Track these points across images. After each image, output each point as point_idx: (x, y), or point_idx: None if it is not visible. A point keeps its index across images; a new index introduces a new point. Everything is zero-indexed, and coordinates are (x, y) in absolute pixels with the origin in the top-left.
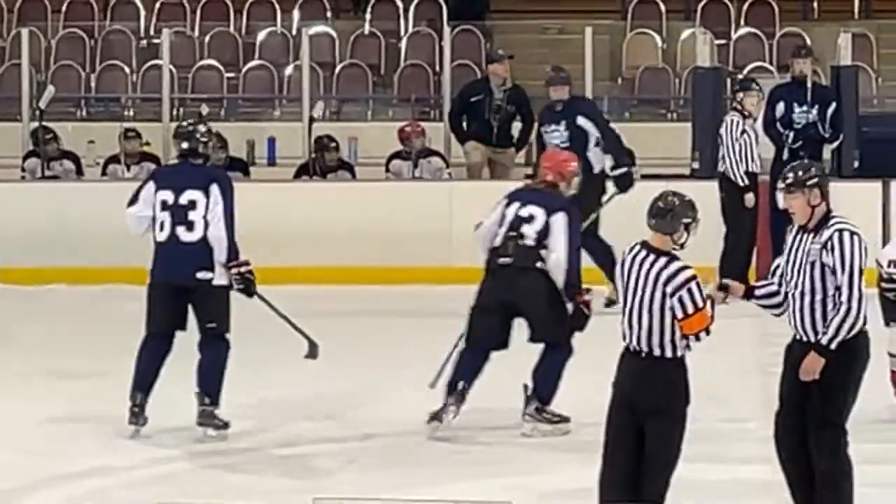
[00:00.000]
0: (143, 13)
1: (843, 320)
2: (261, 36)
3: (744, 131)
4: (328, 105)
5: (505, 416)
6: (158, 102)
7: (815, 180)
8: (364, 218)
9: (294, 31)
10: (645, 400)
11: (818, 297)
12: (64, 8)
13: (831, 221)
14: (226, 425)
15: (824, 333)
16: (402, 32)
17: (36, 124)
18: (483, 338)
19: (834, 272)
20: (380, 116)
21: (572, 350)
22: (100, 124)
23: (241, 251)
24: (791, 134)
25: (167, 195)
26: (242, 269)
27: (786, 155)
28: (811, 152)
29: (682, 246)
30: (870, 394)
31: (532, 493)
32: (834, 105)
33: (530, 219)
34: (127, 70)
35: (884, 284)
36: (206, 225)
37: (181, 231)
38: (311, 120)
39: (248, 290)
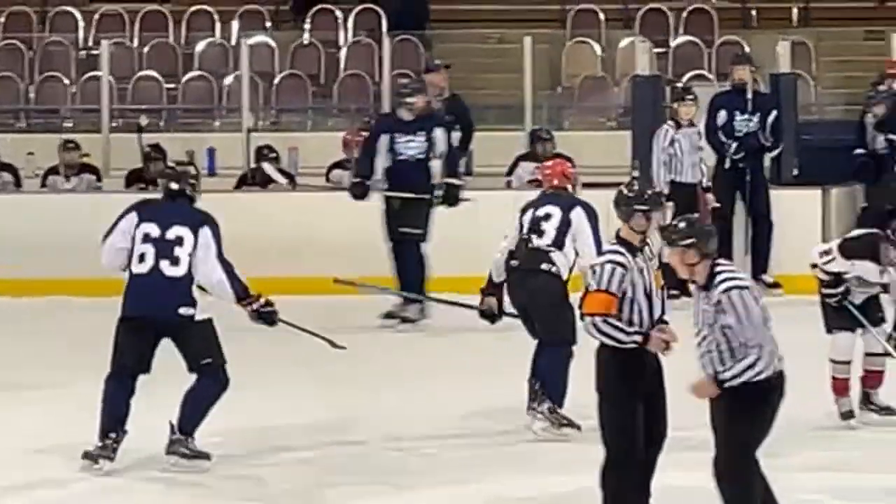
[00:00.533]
0: (81, 24)
1: (750, 366)
2: (200, 46)
3: (673, 141)
4: (268, 116)
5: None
6: (97, 113)
7: (690, 241)
8: (305, 227)
9: (233, 42)
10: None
11: (724, 349)
12: (2, 19)
13: (717, 279)
14: (205, 456)
15: (728, 370)
16: (342, 42)
17: None
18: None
19: (734, 328)
20: (320, 127)
21: (573, 352)
22: (39, 136)
23: None
24: (733, 143)
25: (151, 228)
26: (256, 306)
27: (727, 164)
28: (752, 161)
29: (643, 233)
30: (811, 401)
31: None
32: (774, 113)
33: (547, 217)
34: (66, 81)
35: (825, 291)
36: (191, 263)
37: (165, 265)
38: (139, 129)
39: (271, 321)
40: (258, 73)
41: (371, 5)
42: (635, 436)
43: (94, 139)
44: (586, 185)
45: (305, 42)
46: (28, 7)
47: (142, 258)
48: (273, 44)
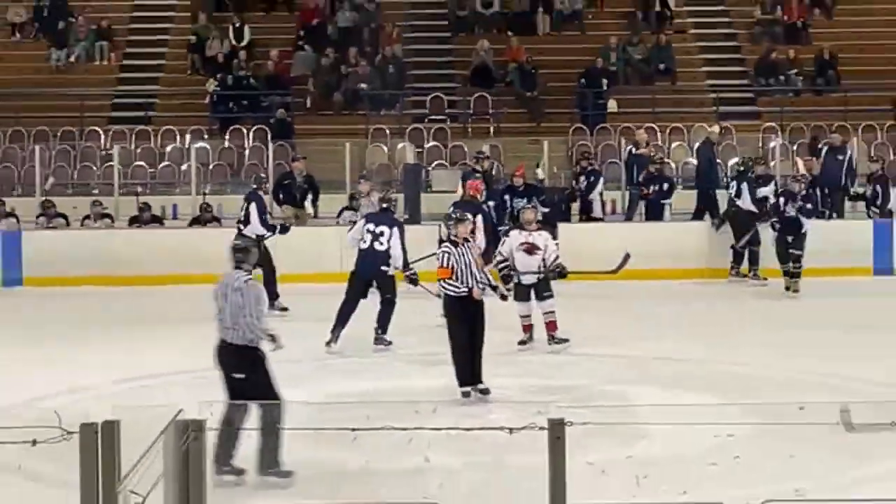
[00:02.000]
0: (102, 136)
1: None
2: (167, 148)
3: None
4: (206, 186)
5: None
6: (112, 185)
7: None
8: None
9: (186, 146)
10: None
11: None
12: (59, 133)
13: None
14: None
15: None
16: (246, 146)
17: None
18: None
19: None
20: (236, 192)
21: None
22: (80, 198)
23: None
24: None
25: (371, 226)
26: (409, 273)
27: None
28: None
29: (453, 237)
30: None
31: None
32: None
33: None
34: (94, 167)
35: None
36: (389, 245)
37: (376, 245)
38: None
39: (415, 283)
40: (201, 163)
41: (262, 125)
42: (462, 339)
43: (109, 199)
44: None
45: (226, 146)
46: (71, 127)
47: (364, 241)
48: (208, 147)
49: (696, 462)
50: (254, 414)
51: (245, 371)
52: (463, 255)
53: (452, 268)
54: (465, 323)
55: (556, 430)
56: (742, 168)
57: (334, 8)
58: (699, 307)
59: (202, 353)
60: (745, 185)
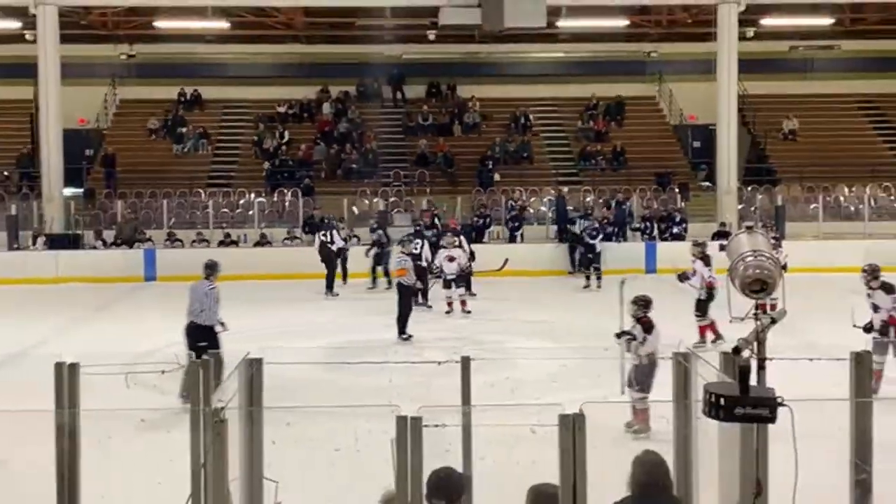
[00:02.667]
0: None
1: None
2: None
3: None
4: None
5: None
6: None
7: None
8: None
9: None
10: None
11: None
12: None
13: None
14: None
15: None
16: (287, 200)
17: None
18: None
19: None
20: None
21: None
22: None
23: None
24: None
25: (416, 246)
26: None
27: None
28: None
29: (411, 251)
30: None
31: None
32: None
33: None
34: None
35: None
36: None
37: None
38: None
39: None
40: (260, 210)
41: (296, 188)
42: (409, 312)
43: (206, 231)
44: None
45: (274, 200)
46: (185, 189)
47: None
48: (264, 201)
49: (544, 381)
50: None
51: (206, 341)
52: (414, 260)
53: (406, 269)
54: (410, 299)
55: (465, 363)
56: (578, 214)
57: (338, 120)
58: (555, 293)
59: (263, 321)
60: (578, 223)
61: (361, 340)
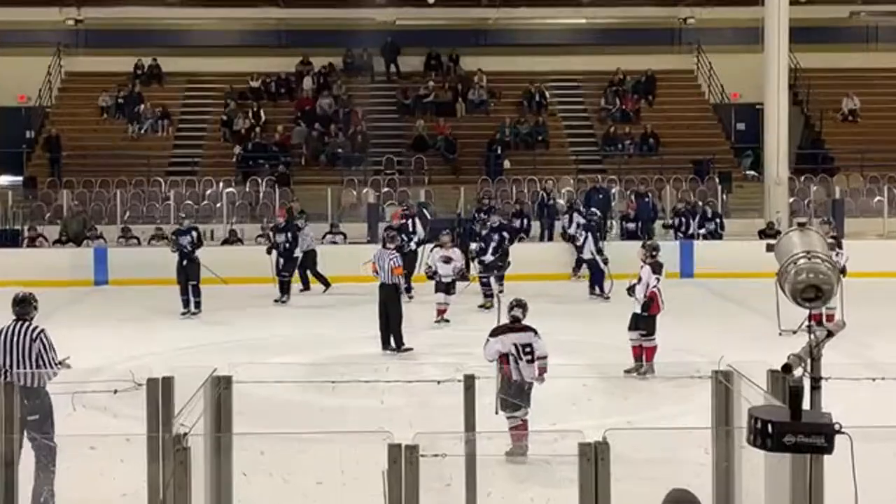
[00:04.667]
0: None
1: None
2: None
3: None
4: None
5: None
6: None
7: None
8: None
9: None
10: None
11: None
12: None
13: None
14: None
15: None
16: (261, 191)
17: None
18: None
19: None
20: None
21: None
22: None
23: None
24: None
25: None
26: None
27: None
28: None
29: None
30: None
31: None
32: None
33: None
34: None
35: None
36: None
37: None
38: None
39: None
40: (230, 202)
41: (271, 177)
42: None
43: (167, 227)
44: None
45: (247, 191)
46: (141, 178)
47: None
48: (235, 191)
49: (562, 403)
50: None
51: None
52: (380, 260)
53: (377, 270)
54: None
55: (469, 382)
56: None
57: (321, 97)
58: (574, 301)
59: (232, 333)
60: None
61: (345, 356)
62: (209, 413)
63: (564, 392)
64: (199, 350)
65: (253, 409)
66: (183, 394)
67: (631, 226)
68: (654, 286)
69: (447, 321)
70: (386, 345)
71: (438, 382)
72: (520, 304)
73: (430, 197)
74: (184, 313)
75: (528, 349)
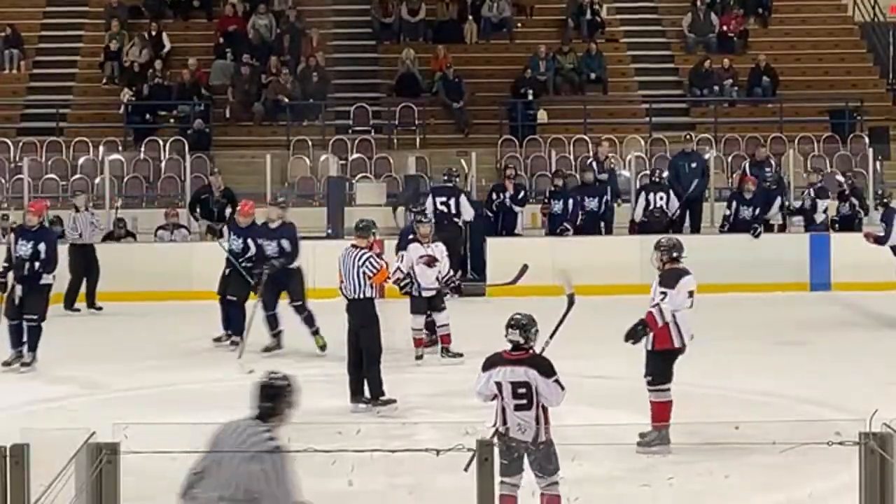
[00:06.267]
0: (12, 148)
1: None
2: (81, 160)
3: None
4: (121, 198)
5: None
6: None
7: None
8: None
9: (100, 157)
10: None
11: None
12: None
13: None
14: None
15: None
16: (162, 158)
17: None
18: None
19: None
20: (150, 206)
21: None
22: None
23: None
24: None
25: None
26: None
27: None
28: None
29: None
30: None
31: None
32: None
33: None
34: (2, 181)
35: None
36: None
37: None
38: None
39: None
40: (115, 176)
41: (179, 137)
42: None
43: (19, 213)
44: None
45: (141, 158)
46: None
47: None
48: (123, 159)
49: (627, 482)
50: None
51: None
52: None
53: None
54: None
55: (485, 451)
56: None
57: (253, 13)
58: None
59: (121, 377)
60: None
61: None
62: (86, 496)
63: (625, 466)
64: (67, 403)
65: (151, 494)
66: (45, 468)
67: (746, 212)
68: (659, 304)
69: (458, 355)
70: (357, 395)
71: (437, 453)
72: (518, 324)
73: (423, 167)
74: None
75: (522, 391)
